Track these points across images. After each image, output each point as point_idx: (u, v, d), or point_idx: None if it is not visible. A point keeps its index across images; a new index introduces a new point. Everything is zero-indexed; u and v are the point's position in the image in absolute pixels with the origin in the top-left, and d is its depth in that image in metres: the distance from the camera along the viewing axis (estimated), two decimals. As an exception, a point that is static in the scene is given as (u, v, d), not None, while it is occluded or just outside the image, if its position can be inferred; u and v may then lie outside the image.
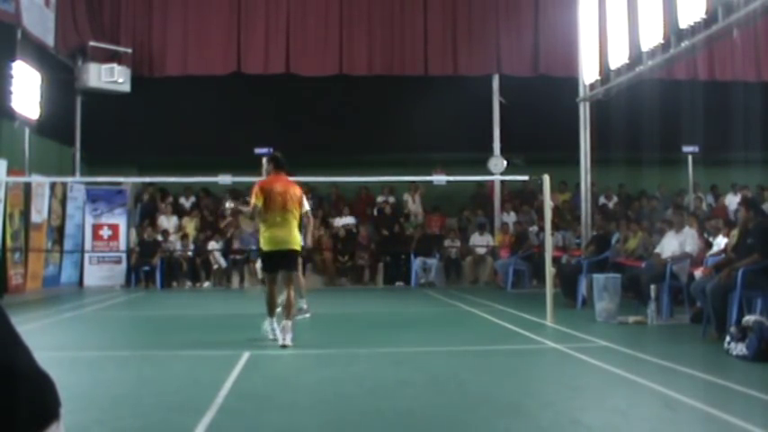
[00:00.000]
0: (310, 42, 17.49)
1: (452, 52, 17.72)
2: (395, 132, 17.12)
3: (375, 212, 18.26)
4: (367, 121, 17.40)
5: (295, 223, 7.71)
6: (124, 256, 16.73)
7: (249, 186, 17.51)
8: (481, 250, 16.98)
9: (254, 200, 7.68)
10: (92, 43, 16.44)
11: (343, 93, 17.49)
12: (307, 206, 8.04)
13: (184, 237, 16.79)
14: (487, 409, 4.81)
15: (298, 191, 7.88)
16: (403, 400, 5.01)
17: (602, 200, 18.14)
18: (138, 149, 17.10)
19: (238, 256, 16.49)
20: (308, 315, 9.80)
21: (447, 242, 17.25)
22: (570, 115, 14.84)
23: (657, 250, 10.09)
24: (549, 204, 10.02)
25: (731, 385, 5.31)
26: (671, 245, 9.81)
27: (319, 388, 5.43)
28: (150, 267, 16.18)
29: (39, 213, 14.83)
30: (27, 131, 14.20)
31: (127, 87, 16.53)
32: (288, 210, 7.63)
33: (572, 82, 15.17)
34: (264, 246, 7.67)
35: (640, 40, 11.90)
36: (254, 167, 16.52)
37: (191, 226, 17.22)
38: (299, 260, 7.83)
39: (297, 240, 7.70)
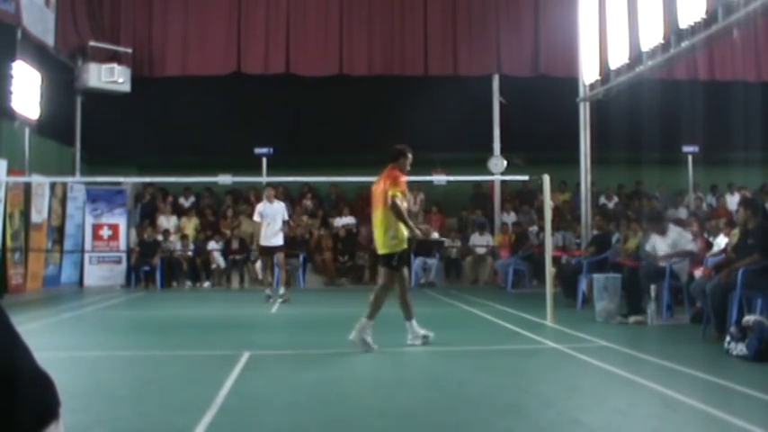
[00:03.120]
0: (310, 42, 17.49)
1: (452, 52, 17.72)
2: (395, 132, 17.07)
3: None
4: (367, 121, 17.39)
5: (382, 222, 7.17)
6: (124, 256, 16.73)
7: (249, 187, 17.79)
8: (481, 250, 16.99)
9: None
10: (92, 43, 16.44)
11: (344, 93, 17.48)
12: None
13: (184, 237, 16.80)
14: (487, 409, 4.81)
15: (384, 184, 7.22)
16: (403, 400, 5.01)
17: (602, 200, 18.14)
18: (138, 149, 17.09)
19: (238, 256, 16.50)
20: (278, 300, 11.99)
21: (447, 242, 17.23)
22: (570, 115, 14.85)
23: (648, 249, 9.93)
24: (549, 204, 10.01)
25: (731, 385, 5.31)
26: (660, 248, 9.74)
27: (319, 388, 5.43)
28: (150, 267, 16.18)
29: (39, 213, 14.83)
30: (27, 131, 14.20)
31: (127, 87, 16.54)
32: (374, 208, 7.35)
33: (572, 82, 15.19)
34: None
35: (640, 40, 11.91)
36: (254, 167, 16.59)
37: (190, 226, 17.23)
38: (393, 260, 7.17)
39: (384, 242, 7.18)
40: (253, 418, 4.53)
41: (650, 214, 10.79)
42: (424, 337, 7.32)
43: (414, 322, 7.33)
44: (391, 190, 7.05)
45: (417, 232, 7.42)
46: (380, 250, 7.25)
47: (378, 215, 7.24)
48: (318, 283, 16.55)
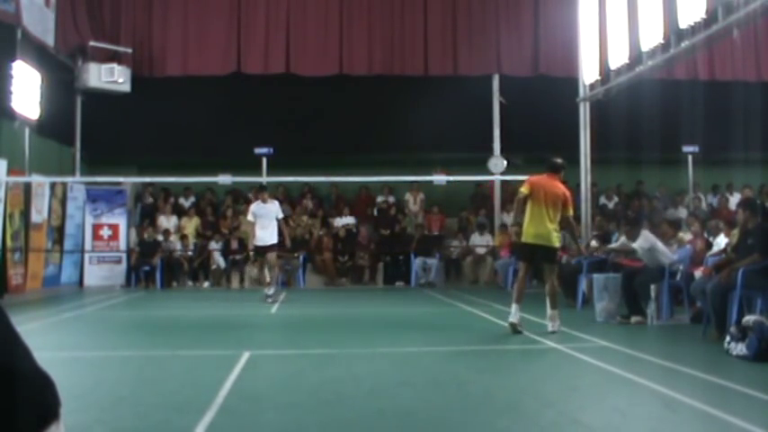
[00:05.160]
0: (310, 42, 17.49)
1: (452, 52, 17.71)
2: (395, 132, 17.11)
3: (375, 212, 18.26)
4: (367, 121, 17.39)
5: (555, 221, 8.29)
6: (124, 256, 16.74)
7: (250, 187, 17.80)
8: (481, 250, 16.98)
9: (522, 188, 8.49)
10: (92, 43, 16.44)
11: (343, 93, 17.48)
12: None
13: (184, 237, 16.80)
14: (487, 409, 4.81)
15: (562, 191, 8.39)
16: (403, 401, 5.01)
17: (602, 200, 18.14)
18: (138, 149, 17.10)
19: (237, 256, 16.49)
20: (269, 300, 12.13)
21: (448, 242, 17.24)
22: (570, 115, 14.85)
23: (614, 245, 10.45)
24: (549, 204, 10.00)
25: (731, 385, 5.31)
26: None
27: (319, 388, 5.43)
28: (150, 267, 16.18)
29: (39, 213, 14.83)
30: (27, 131, 14.20)
31: (127, 87, 16.54)
32: (547, 205, 8.26)
33: (572, 82, 15.19)
34: (525, 237, 8.42)
35: (640, 40, 11.91)
36: (254, 167, 16.59)
37: (190, 226, 17.22)
38: (556, 255, 8.62)
39: (554, 237, 8.25)
40: (253, 418, 4.53)
41: (628, 218, 11.21)
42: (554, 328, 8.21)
43: (557, 312, 8.23)
44: (571, 209, 8.43)
45: (583, 249, 9.34)
46: (550, 243, 8.24)
47: (552, 214, 8.25)
48: (318, 283, 16.56)
